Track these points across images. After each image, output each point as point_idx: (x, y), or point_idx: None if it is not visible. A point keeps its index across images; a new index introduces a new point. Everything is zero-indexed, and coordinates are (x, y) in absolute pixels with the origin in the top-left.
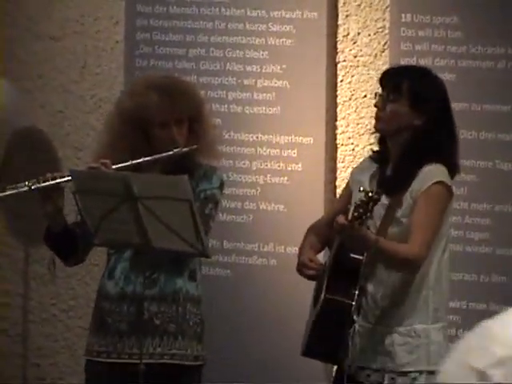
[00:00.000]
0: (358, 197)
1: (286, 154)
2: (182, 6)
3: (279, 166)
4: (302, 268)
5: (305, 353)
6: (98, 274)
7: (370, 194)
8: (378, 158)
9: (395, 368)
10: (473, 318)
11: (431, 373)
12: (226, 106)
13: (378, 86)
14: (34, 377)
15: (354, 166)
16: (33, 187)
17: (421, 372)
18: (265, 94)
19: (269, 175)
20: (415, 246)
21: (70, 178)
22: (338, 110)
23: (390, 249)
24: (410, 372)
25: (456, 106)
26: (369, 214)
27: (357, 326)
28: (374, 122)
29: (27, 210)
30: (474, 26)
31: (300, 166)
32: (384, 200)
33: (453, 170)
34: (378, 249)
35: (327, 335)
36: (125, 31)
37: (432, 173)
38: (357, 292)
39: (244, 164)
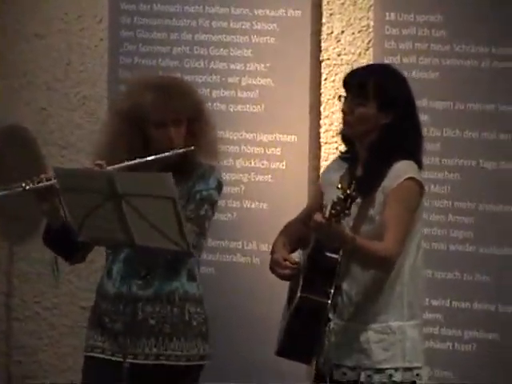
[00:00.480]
0: (335, 194)
1: (269, 152)
2: (165, 3)
3: (263, 164)
4: (275, 266)
5: (279, 353)
6: (81, 272)
7: (348, 191)
8: (346, 158)
9: (371, 365)
10: (456, 317)
11: (407, 369)
12: (210, 104)
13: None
14: (18, 375)
15: (325, 167)
16: (27, 188)
17: (397, 369)
18: (249, 92)
19: (252, 173)
20: (389, 244)
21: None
22: (322, 108)
23: (366, 247)
24: (387, 369)
25: (440, 105)
26: (347, 212)
27: (332, 323)
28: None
29: (12, 208)
30: (458, 24)
31: (284, 164)
32: (358, 200)
33: (419, 166)
34: (354, 247)
35: (302, 334)
36: (109, 29)
37: (402, 169)
38: (332, 291)
39: (228, 162)
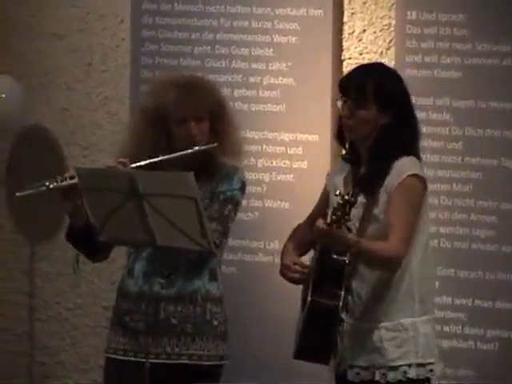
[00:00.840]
0: (334, 200)
1: (291, 152)
2: (187, 3)
3: (285, 164)
4: (285, 271)
5: (296, 356)
6: (102, 272)
7: (347, 197)
8: (349, 159)
9: (385, 363)
10: (478, 316)
11: (421, 365)
12: (231, 103)
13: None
14: (40, 375)
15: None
16: (51, 186)
17: (410, 365)
18: (270, 92)
19: (274, 173)
20: (395, 243)
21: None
22: None
23: (371, 249)
24: (401, 366)
25: (462, 104)
26: (346, 217)
27: (345, 324)
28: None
29: (34, 208)
30: (479, 23)
31: (305, 163)
32: (361, 199)
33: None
34: (359, 250)
35: (317, 337)
36: (130, 29)
37: (405, 166)
38: (342, 293)
39: (249, 162)
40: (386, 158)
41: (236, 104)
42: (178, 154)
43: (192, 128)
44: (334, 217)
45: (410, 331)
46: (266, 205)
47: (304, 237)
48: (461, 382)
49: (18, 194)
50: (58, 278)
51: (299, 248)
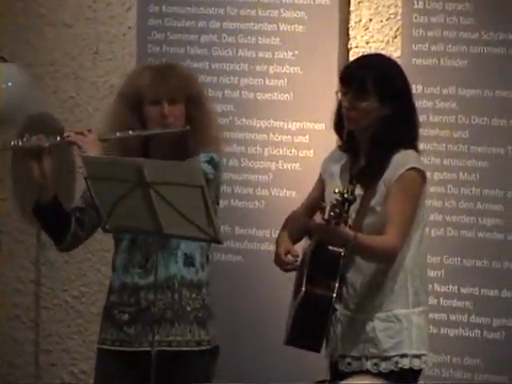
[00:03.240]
0: (333, 197)
1: (297, 140)
2: None
3: (291, 152)
4: (277, 260)
5: (287, 342)
6: (109, 260)
7: (346, 196)
8: (347, 148)
9: (378, 353)
10: (485, 305)
11: (414, 356)
12: (238, 92)
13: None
14: (46, 363)
15: (326, 157)
16: (15, 144)
17: (403, 355)
18: (277, 80)
19: (281, 161)
20: (392, 237)
21: (55, 140)
22: None
23: (369, 243)
24: (393, 356)
25: (468, 93)
26: (345, 215)
27: (338, 314)
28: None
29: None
30: (486, 12)
31: (312, 152)
32: (359, 191)
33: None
34: (356, 244)
35: (309, 327)
36: (137, 17)
37: (404, 159)
38: (337, 284)
39: (256, 150)
40: (386, 151)
41: (242, 93)
42: (148, 132)
43: (165, 108)
44: (332, 213)
45: (404, 322)
46: (273, 193)
47: (299, 224)
48: (467, 370)
49: None
50: (64, 266)
51: (294, 235)
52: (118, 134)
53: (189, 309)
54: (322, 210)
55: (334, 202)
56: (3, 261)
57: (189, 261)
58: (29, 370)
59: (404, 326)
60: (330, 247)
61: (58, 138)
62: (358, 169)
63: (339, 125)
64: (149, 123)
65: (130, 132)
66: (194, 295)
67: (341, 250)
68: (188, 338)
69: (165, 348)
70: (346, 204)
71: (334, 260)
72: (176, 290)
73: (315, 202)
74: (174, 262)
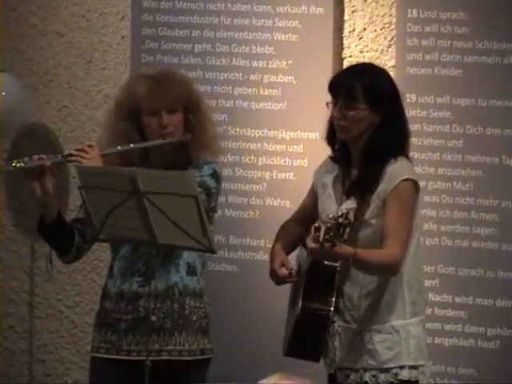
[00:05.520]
0: (326, 217)
1: (291, 150)
2: (187, 1)
3: (285, 162)
4: (272, 274)
5: (286, 354)
6: (103, 270)
7: (340, 220)
8: (339, 159)
9: (377, 365)
10: (479, 314)
11: (413, 367)
12: (231, 101)
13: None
14: (40, 373)
15: (318, 166)
16: (17, 166)
17: (402, 367)
18: (271, 90)
19: (275, 171)
20: (393, 249)
21: (57, 159)
22: None
23: (369, 258)
24: (392, 368)
25: (462, 102)
26: (340, 238)
27: (335, 325)
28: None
29: (34, 206)
30: (480, 21)
31: (306, 161)
32: (352, 204)
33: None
34: (356, 261)
35: (307, 340)
36: (131, 26)
37: (397, 171)
38: (334, 299)
39: (250, 160)
40: (378, 162)
41: (236, 102)
42: (149, 143)
43: (164, 119)
44: (327, 236)
45: (402, 333)
46: (267, 203)
47: (292, 234)
48: (462, 380)
49: None
50: (59, 276)
51: (288, 246)
52: (119, 147)
53: (194, 318)
54: (317, 230)
55: (330, 225)
56: None
57: (191, 270)
58: (23, 381)
59: (402, 337)
60: (326, 262)
61: (60, 157)
62: (351, 181)
63: (331, 136)
64: (148, 133)
65: (131, 145)
66: (197, 304)
67: (336, 264)
68: (192, 347)
69: (164, 357)
70: (341, 229)
71: (330, 274)
72: (176, 299)
73: (308, 211)
74: (174, 270)
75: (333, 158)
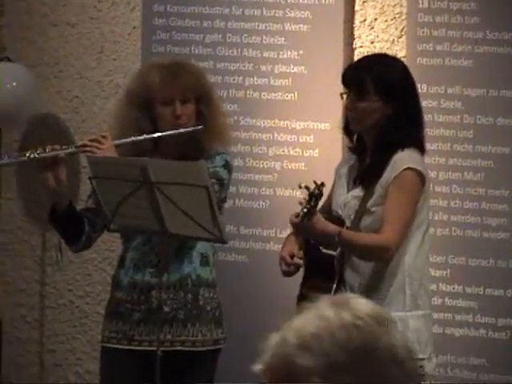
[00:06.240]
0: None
1: (302, 140)
2: None
3: (296, 152)
4: (280, 262)
5: None
6: (114, 260)
7: (311, 190)
8: (356, 149)
9: None
10: (490, 304)
11: None
12: (242, 91)
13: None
14: (51, 363)
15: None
16: (31, 156)
17: None
18: (282, 80)
19: (286, 161)
20: (387, 234)
21: (71, 149)
22: None
23: (356, 239)
24: None
25: (473, 92)
26: (312, 210)
27: None
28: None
29: (46, 196)
30: (491, 11)
31: (317, 151)
32: (359, 192)
33: (423, 151)
34: (341, 240)
35: None
36: (142, 17)
37: (401, 160)
38: (334, 285)
39: (261, 150)
40: (387, 152)
41: (247, 92)
42: (163, 133)
43: (178, 108)
44: (305, 209)
45: (399, 326)
46: (278, 193)
47: None
48: (472, 370)
49: None
50: (69, 266)
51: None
52: (132, 138)
53: (208, 308)
54: (301, 205)
55: (303, 199)
56: (8, 261)
57: (205, 260)
58: (33, 371)
59: (399, 329)
60: (324, 250)
61: (74, 148)
62: (360, 170)
63: (348, 127)
64: (160, 123)
65: (145, 135)
66: (211, 294)
67: (334, 252)
68: (206, 338)
69: (177, 348)
70: (313, 199)
71: (329, 262)
72: (189, 289)
73: (328, 206)
74: (188, 261)
75: (351, 149)
